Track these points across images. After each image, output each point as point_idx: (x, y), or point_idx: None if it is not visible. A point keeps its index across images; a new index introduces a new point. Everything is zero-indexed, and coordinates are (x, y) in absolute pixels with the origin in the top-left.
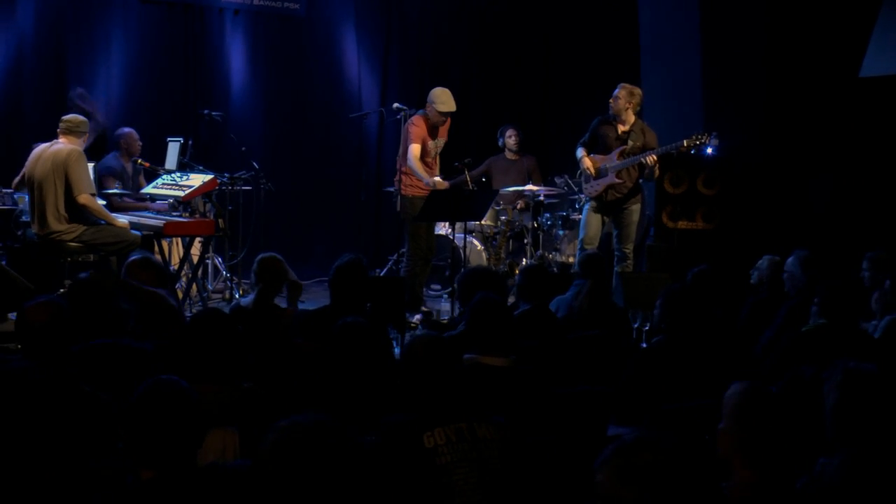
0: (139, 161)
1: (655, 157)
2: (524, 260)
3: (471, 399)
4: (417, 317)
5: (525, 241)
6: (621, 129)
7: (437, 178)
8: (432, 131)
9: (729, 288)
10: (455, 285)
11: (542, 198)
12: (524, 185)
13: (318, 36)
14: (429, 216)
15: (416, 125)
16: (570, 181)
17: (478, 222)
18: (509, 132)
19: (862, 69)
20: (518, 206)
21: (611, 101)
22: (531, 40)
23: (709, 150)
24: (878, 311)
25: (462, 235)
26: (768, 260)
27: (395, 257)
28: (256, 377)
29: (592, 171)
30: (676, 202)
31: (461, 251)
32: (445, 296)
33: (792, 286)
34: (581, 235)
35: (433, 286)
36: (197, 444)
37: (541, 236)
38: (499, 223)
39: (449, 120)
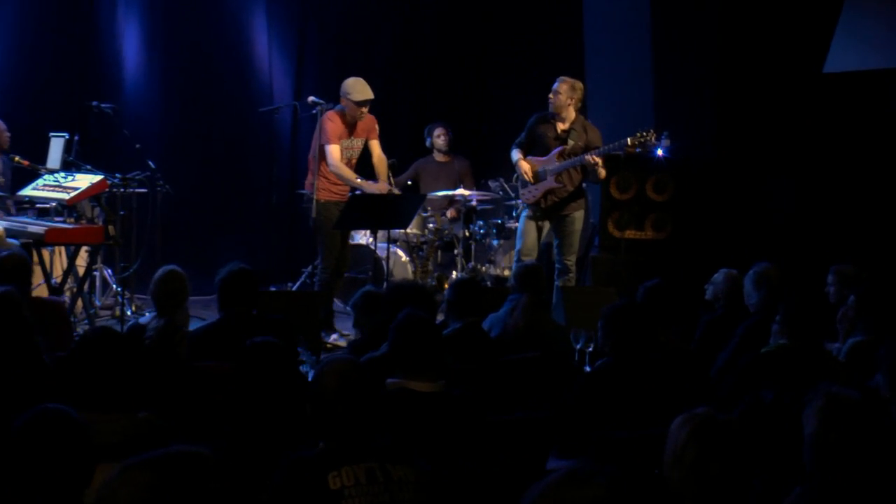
0: (15, 158)
1: (598, 158)
2: (454, 273)
3: (389, 433)
4: (333, 336)
5: (455, 251)
6: (561, 127)
7: (379, 183)
8: (350, 128)
9: (682, 305)
10: (357, 303)
11: (474, 203)
12: (455, 189)
13: (224, 21)
14: (348, 224)
15: (332, 121)
16: (505, 185)
17: (403, 231)
18: (438, 131)
19: (826, 64)
20: (448, 213)
21: (550, 96)
22: (465, 30)
23: (659, 152)
24: (840, 330)
25: (385, 245)
26: (725, 274)
27: (309, 269)
28: (154, 405)
29: (529, 174)
30: (624, 209)
31: (384, 263)
32: None
33: (751, 303)
34: (518, 246)
35: (352, 301)
36: (84, 482)
37: (473, 246)
38: (426, 232)
39: (372, 120)
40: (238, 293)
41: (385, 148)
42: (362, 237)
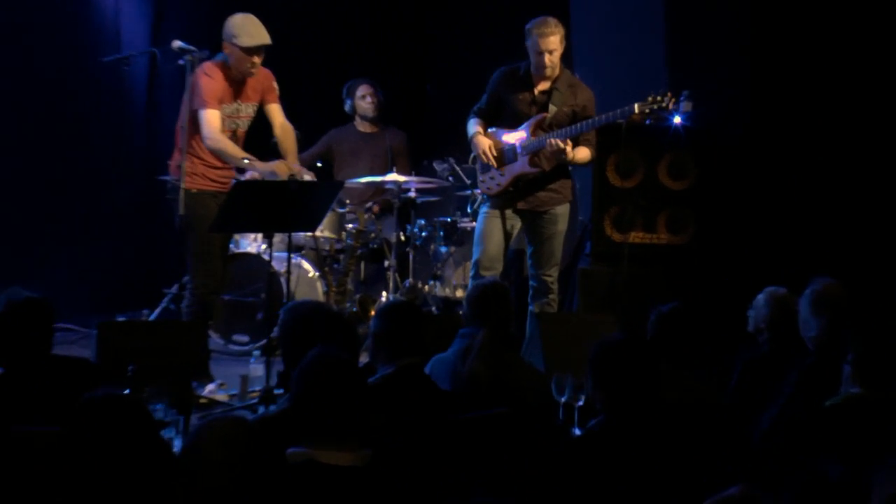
0: None
1: (563, 142)
2: (384, 295)
3: None
4: (210, 387)
5: (386, 263)
6: (540, 86)
7: (276, 163)
8: (236, 88)
9: (710, 339)
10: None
11: (413, 195)
12: (385, 173)
13: None
14: (231, 224)
15: (209, 77)
16: (457, 169)
17: (310, 234)
18: (362, 90)
19: None
20: (375, 208)
21: (528, 43)
22: None
23: (676, 121)
24: None
25: (284, 255)
26: (770, 295)
27: (174, 290)
28: None
29: (492, 155)
30: (626, 201)
31: (282, 280)
32: (257, 353)
33: (808, 336)
34: (475, 255)
35: (236, 337)
36: None
37: (411, 256)
38: (344, 235)
39: (268, 76)
40: (21, 333)
41: (290, 114)
42: (251, 244)
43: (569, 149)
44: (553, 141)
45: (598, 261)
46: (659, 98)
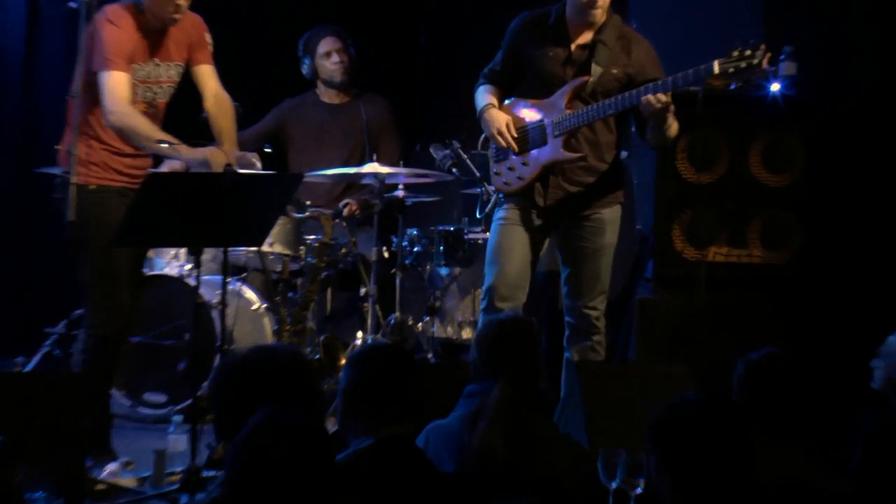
0: None
1: (663, 97)
2: (359, 335)
3: None
4: (111, 467)
5: (363, 290)
6: (580, 39)
7: (208, 148)
8: (153, 42)
9: (822, 398)
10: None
11: (401, 193)
12: (361, 162)
13: None
14: (140, 235)
15: (115, 25)
16: (463, 155)
17: (254, 250)
18: (326, 45)
19: None
20: (347, 212)
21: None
22: None
23: (774, 88)
24: None
25: (217, 279)
26: None
27: (60, 329)
28: None
29: (511, 136)
30: (704, 203)
31: (214, 315)
32: (178, 420)
33: None
34: (490, 279)
35: (149, 396)
36: None
37: (399, 280)
38: (303, 251)
39: (197, 26)
40: None
41: (227, 81)
42: (171, 263)
43: (672, 106)
44: (652, 97)
45: (664, 287)
46: (748, 53)
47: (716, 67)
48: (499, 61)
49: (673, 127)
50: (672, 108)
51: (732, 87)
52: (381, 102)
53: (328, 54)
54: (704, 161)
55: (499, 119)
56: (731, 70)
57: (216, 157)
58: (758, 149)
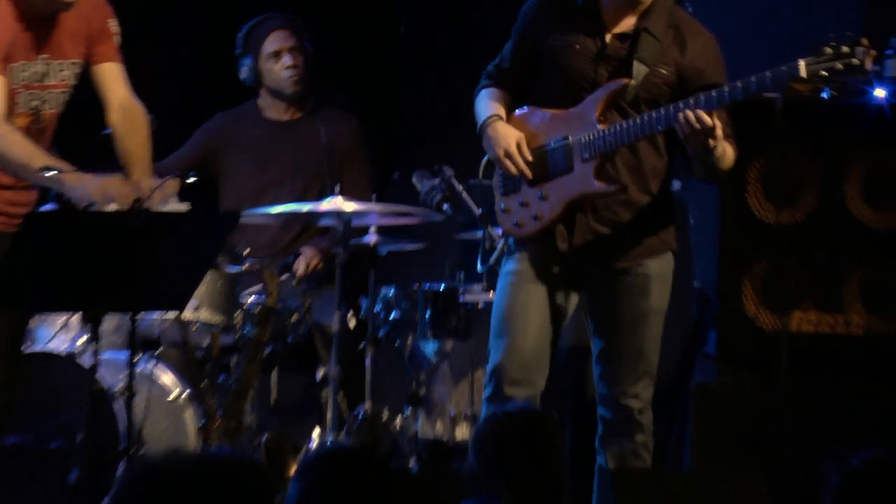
0: None
1: (707, 119)
2: (316, 433)
3: None
4: None
5: (320, 372)
6: (619, 26)
7: (109, 178)
8: (36, 30)
9: None
10: None
11: (373, 238)
12: (320, 196)
13: None
14: (17, 296)
15: None
16: (457, 186)
17: (172, 316)
18: (274, 41)
19: None
20: (300, 266)
21: None
22: None
23: (878, 94)
24: None
25: (121, 357)
26: None
27: None
28: None
29: (522, 161)
30: (785, 251)
31: (116, 407)
32: None
33: None
34: (496, 357)
35: None
36: None
37: (369, 358)
38: (239, 318)
39: (98, 12)
40: None
41: (140, 88)
42: (58, 333)
43: (719, 131)
44: (690, 115)
45: (732, 368)
46: (846, 50)
47: (802, 69)
48: (508, 56)
49: (728, 155)
50: (724, 130)
51: (824, 94)
52: (346, 118)
53: (277, 55)
54: (785, 194)
55: (507, 136)
56: (823, 72)
57: (117, 189)
58: (857, 177)
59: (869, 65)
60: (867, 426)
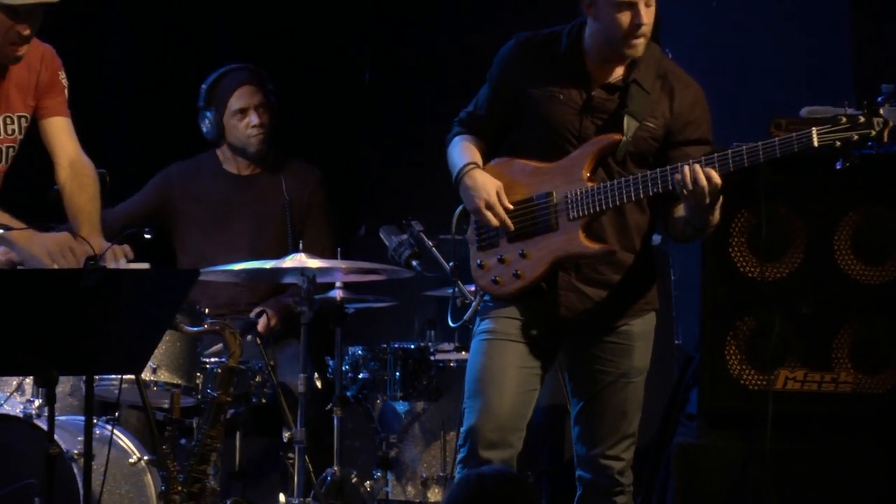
0: None
1: (716, 177)
2: (281, 499)
3: None
4: None
5: (286, 435)
6: (605, 77)
7: (58, 235)
8: None
9: None
10: None
11: (339, 295)
12: (283, 254)
13: None
14: None
15: None
16: (427, 242)
17: (130, 378)
18: (241, 98)
19: None
20: (262, 323)
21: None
22: None
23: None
24: None
25: (78, 421)
26: None
27: None
28: None
29: (503, 212)
30: (769, 310)
31: (76, 471)
32: None
33: None
34: (471, 419)
35: None
36: None
37: (336, 420)
38: (199, 380)
39: (49, 63)
40: None
41: (88, 141)
42: (12, 395)
43: (716, 180)
44: (696, 170)
45: (715, 429)
46: (861, 120)
47: (815, 139)
48: (483, 103)
49: (717, 214)
50: (713, 188)
51: (839, 165)
52: (308, 172)
53: (243, 112)
54: (771, 248)
55: (487, 185)
56: (838, 143)
57: (66, 248)
58: (847, 229)
59: (886, 137)
60: (857, 488)
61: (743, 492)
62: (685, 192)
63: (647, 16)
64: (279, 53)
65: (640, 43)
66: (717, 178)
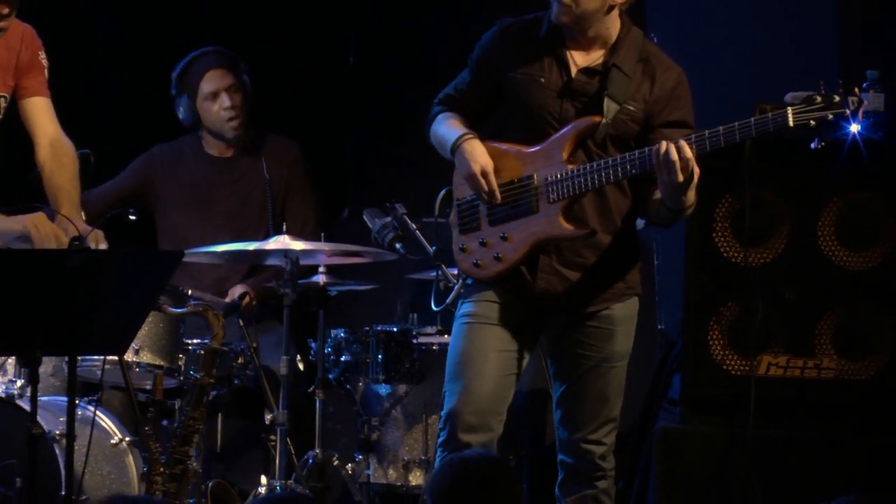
0: None
1: (687, 151)
2: (263, 481)
3: None
4: None
5: (268, 416)
6: (586, 60)
7: (35, 216)
8: None
9: None
10: None
11: (322, 279)
12: (265, 235)
13: None
14: None
15: None
16: (409, 224)
17: (113, 358)
18: (212, 82)
19: None
20: (244, 304)
21: None
22: None
23: (853, 129)
24: None
25: (60, 401)
26: None
27: None
28: None
29: (495, 184)
30: (753, 295)
31: (57, 452)
32: None
33: None
34: (451, 401)
35: None
36: None
37: (319, 402)
38: (182, 361)
39: (29, 42)
40: None
41: (75, 122)
42: None
43: (696, 169)
44: (670, 146)
45: (697, 414)
46: (836, 99)
47: (790, 118)
48: (465, 82)
49: (692, 196)
50: (695, 165)
51: (813, 145)
52: (289, 147)
53: (214, 95)
54: (755, 233)
55: (484, 155)
56: (812, 122)
57: (45, 230)
58: (831, 216)
59: (860, 117)
60: (839, 473)
61: (725, 477)
62: (658, 166)
63: None
64: (265, 36)
65: (619, 28)
66: (687, 152)
